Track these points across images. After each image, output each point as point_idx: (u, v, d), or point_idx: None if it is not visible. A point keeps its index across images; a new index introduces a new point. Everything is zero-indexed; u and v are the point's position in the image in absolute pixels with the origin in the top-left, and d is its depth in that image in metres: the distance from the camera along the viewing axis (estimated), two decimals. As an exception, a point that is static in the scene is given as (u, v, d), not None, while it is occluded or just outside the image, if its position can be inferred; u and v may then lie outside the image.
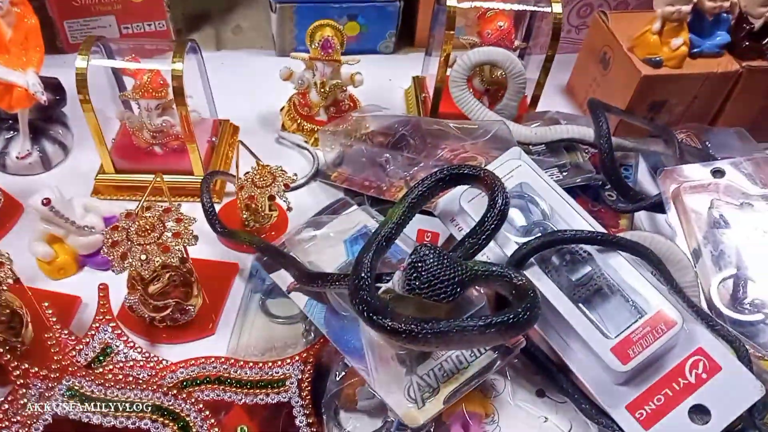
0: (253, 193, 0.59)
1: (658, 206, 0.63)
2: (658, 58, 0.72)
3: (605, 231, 0.51)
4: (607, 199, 0.67)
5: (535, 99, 0.74)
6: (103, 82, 0.65)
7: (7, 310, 0.49)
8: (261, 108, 0.79)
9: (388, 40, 0.89)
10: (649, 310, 0.46)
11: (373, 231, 0.55)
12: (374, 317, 0.41)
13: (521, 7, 0.71)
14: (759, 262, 0.56)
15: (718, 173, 0.62)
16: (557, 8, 0.68)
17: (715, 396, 0.44)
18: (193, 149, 0.63)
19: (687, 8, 0.70)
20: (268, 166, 0.61)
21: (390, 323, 0.41)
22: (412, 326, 0.40)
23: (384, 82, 0.85)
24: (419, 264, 0.43)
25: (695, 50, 0.73)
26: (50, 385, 0.43)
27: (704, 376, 0.45)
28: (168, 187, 0.62)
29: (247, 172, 0.61)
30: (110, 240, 0.48)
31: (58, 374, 0.43)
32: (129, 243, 0.47)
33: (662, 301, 0.46)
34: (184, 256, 0.51)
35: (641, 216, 0.68)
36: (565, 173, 0.66)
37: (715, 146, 0.73)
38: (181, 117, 0.61)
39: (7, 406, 0.43)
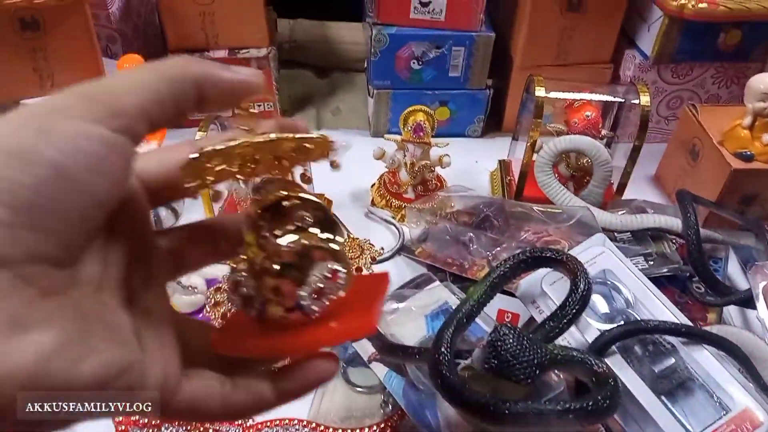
0: (342, 265, 0.63)
1: (747, 301, 0.62)
2: (749, 153, 0.72)
3: (690, 323, 0.51)
4: (695, 292, 0.66)
5: (622, 187, 0.75)
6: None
7: None
8: (354, 184, 0.84)
9: (477, 124, 0.93)
10: (734, 407, 0.45)
11: (453, 307, 0.57)
12: (452, 392, 0.43)
13: (608, 99, 0.73)
14: None
15: (813, 271, 0.60)
16: (645, 100, 0.70)
17: (806, 505, 0.42)
18: (290, 220, 0.68)
19: (779, 104, 0.70)
20: (357, 239, 0.65)
21: (468, 399, 0.42)
22: (490, 404, 0.41)
23: (471, 164, 0.88)
24: (499, 343, 0.44)
25: (789, 146, 0.73)
26: (149, 431, 0.47)
27: (794, 482, 0.43)
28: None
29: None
30: (213, 300, 0.52)
31: (158, 422, 0.47)
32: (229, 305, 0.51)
33: (749, 399, 0.45)
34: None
35: (731, 310, 0.67)
36: (651, 262, 0.66)
37: (811, 243, 0.71)
38: (281, 190, 0.66)
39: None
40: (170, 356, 0.26)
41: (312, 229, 0.28)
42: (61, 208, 0.22)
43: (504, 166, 0.85)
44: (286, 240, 0.28)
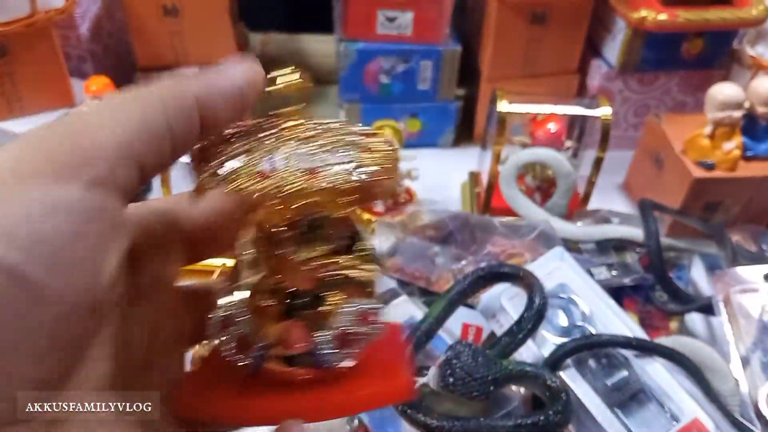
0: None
1: (708, 309, 0.63)
2: (710, 162, 0.73)
3: (645, 335, 0.52)
4: (658, 300, 0.67)
5: (586, 197, 0.76)
6: (186, 172, 0.72)
7: None
8: (325, 198, 0.84)
9: (447, 135, 0.94)
10: (683, 417, 0.46)
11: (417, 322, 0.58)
12: (408, 411, 0.44)
13: (569, 111, 0.74)
14: (812, 371, 0.55)
15: (770, 278, 0.62)
16: (606, 111, 0.71)
17: None
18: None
19: (738, 114, 0.72)
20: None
21: (422, 418, 0.43)
22: (444, 423, 0.42)
23: (442, 175, 0.89)
24: (454, 361, 0.45)
25: (749, 153, 0.74)
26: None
27: (741, 490, 0.44)
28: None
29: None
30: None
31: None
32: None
33: (697, 409, 0.46)
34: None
35: (695, 318, 0.68)
36: (613, 273, 0.67)
37: (773, 249, 0.73)
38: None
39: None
40: None
41: (341, 258, 0.23)
42: (12, 336, 0.16)
43: (474, 177, 0.86)
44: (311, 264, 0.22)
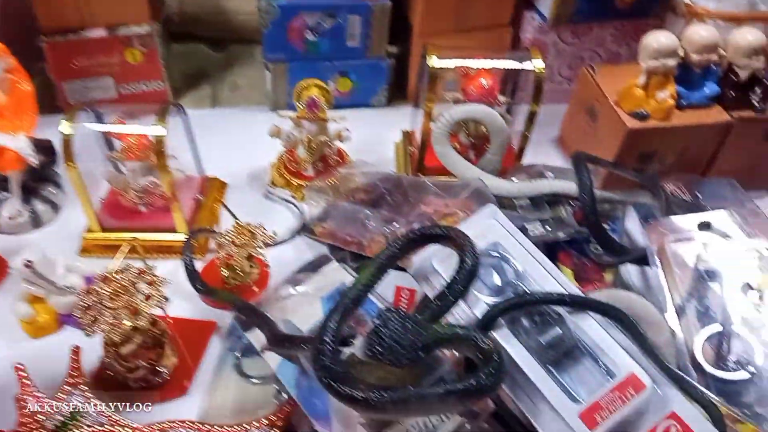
0: (231, 252, 0.60)
1: (643, 260, 0.62)
2: (644, 112, 0.72)
3: (579, 291, 0.50)
4: (592, 253, 0.66)
5: (521, 152, 0.74)
6: (94, 142, 0.67)
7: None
8: (252, 163, 0.80)
9: (381, 94, 0.90)
10: (618, 373, 0.45)
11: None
12: (333, 384, 0.41)
13: (500, 65, 0.72)
14: (744, 317, 0.54)
15: (704, 226, 0.61)
16: (539, 64, 0.69)
17: (688, 464, 0.43)
18: (176, 209, 0.64)
19: (672, 62, 0.70)
20: (248, 224, 0.62)
21: (348, 391, 0.40)
22: (370, 394, 0.40)
23: (375, 135, 0.86)
24: (382, 330, 0.42)
25: (684, 102, 0.73)
26: None
27: (676, 443, 0.43)
28: (153, 245, 0.64)
29: (228, 231, 0.61)
30: (83, 304, 0.48)
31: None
32: (100, 307, 0.48)
33: (633, 364, 0.45)
34: (155, 318, 0.52)
35: (630, 269, 0.67)
36: (548, 228, 0.65)
37: (707, 197, 0.72)
38: (162, 179, 0.62)
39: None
40: None
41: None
42: None
43: (407, 136, 0.83)
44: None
